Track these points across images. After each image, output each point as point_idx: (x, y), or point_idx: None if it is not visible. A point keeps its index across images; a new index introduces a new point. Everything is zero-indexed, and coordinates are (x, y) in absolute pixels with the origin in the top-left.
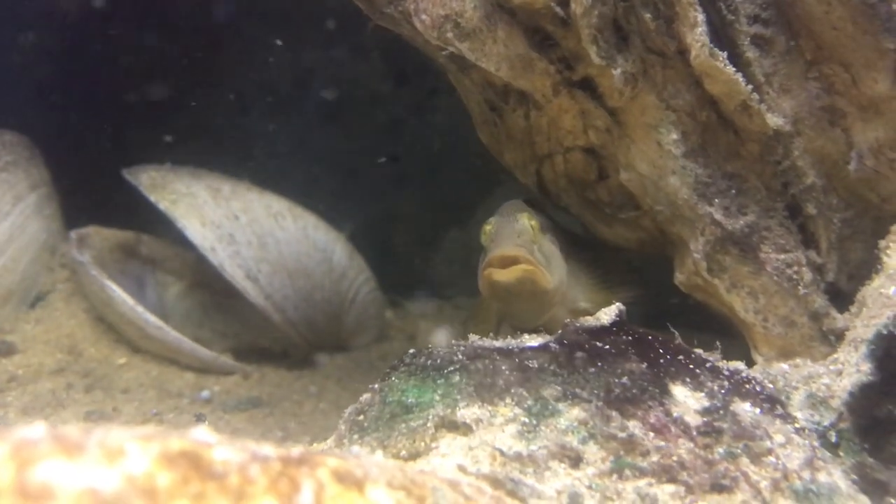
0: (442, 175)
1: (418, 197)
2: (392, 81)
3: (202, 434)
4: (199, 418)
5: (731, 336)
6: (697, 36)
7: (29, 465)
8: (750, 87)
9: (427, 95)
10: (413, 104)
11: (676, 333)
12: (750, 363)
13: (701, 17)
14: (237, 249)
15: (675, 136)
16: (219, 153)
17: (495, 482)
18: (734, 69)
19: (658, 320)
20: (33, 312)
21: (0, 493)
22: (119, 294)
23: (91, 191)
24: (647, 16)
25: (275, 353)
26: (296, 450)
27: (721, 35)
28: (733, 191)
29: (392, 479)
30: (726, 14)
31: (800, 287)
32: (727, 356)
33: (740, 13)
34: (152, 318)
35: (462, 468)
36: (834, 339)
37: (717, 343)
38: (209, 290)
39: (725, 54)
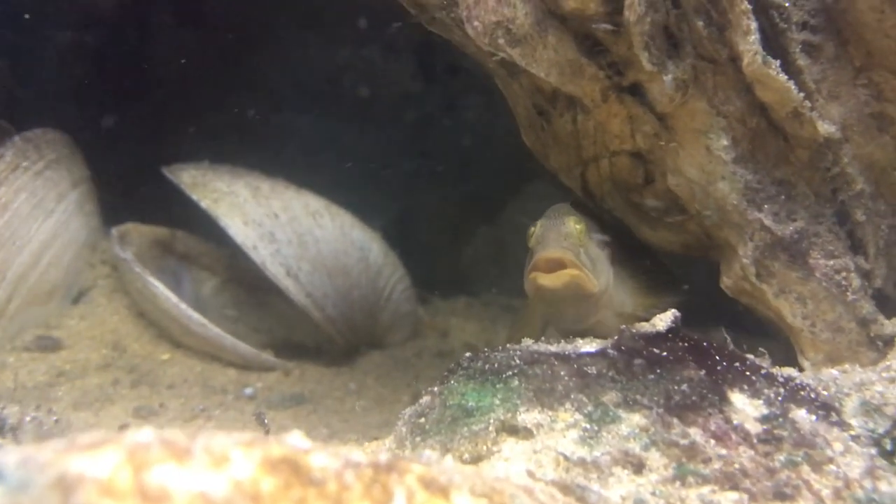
0: (472, 172)
1: (448, 194)
2: (423, 80)
3: (298, 440)
4: (259, 417)
5: (758, 338)
6: (750, 44)
7: (145, 469)
8: (802, 94)
9: (458, 94)
10: (444, 102)
11: (729, 339)
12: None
13: (754, 25)
14: (278, 248)
15: (725, 141)
16: (252, 150)
17: (565, 488)
18: (786, 77)
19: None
20: (76, 308)
21: (123, 495)
22: (162, 291)
23: (123, 187)
24: (700, 23)
25: (308, 349)
26: (383, 456)
27: (772, 43)
28: (783, 197)
29: (474, 485)
30: (779, 22)
31: (848, 293)
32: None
33: (792, 21)
34: (195, 315)
35: (531, 474)
36: (881, 344)
37: (762, 349)
38: (243, 287)
39: (778, 62)
